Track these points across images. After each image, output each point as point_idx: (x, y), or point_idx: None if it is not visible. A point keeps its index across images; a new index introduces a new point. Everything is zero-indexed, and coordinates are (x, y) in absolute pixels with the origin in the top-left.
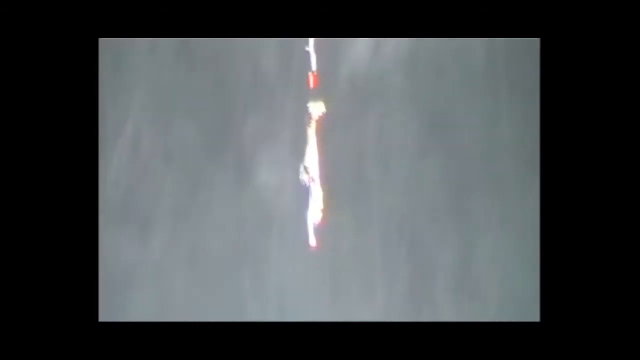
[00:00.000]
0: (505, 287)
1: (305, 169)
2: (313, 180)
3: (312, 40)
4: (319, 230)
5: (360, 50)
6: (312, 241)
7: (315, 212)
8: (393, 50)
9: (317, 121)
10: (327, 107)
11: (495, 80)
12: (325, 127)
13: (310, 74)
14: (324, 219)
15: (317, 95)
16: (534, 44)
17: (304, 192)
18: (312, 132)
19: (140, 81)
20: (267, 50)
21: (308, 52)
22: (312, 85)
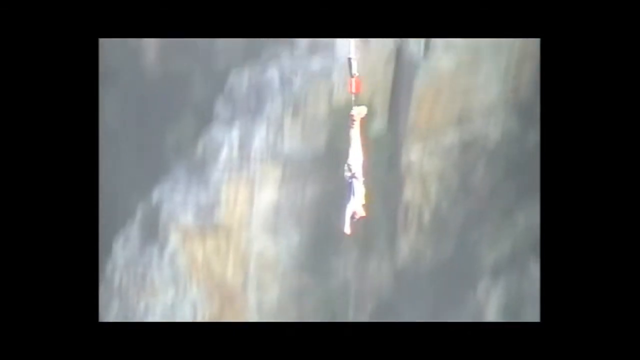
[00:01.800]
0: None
1: (348, 166)
2: (355, 177)
3: (353, 47)
4: (355, 221)
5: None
6: (347, 229)
7: (355, 206)
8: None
9: (360, 123)
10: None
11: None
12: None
13: (351, 78)
14: (364, 213)
15: (359, 99)
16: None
17: (347, 186)
18: (355, 133)
19: None
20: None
21: (350, 59)
22: (354, 89)
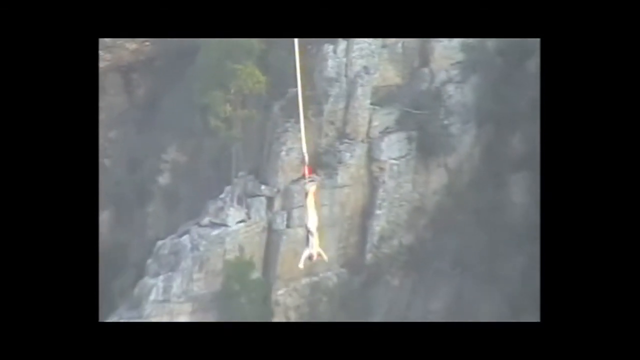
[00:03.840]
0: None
1: (306, 226)
2: (311, 234)
3: (304, 147)
4: (307, 261)
5: None
6: (301, 265)
7: (310, 251)
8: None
9: (313, 195)
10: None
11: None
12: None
13: (305, 166)
14: (316, 257)
15: (311, 179)
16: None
17: (305, 238)
18: (309, 203)
19: None
20: None
21: (304, 154)
22: (307, 174)
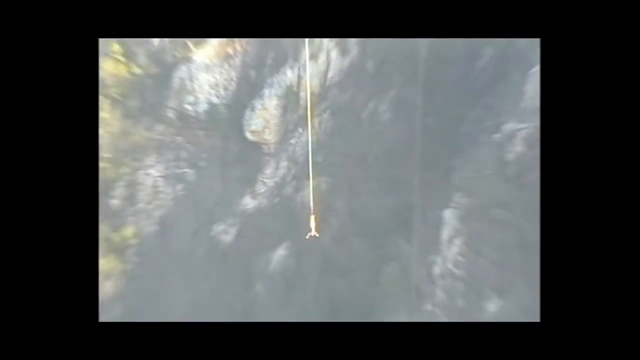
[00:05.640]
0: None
1: (311, 216)
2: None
3: (313, 228)
4: (312, 234)
5: None
6: (310, 233)
7: (313, 228)
8: None
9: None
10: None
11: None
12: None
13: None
14: (316, 231)
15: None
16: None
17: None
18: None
19: None
20: None
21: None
22: (313, 232)
